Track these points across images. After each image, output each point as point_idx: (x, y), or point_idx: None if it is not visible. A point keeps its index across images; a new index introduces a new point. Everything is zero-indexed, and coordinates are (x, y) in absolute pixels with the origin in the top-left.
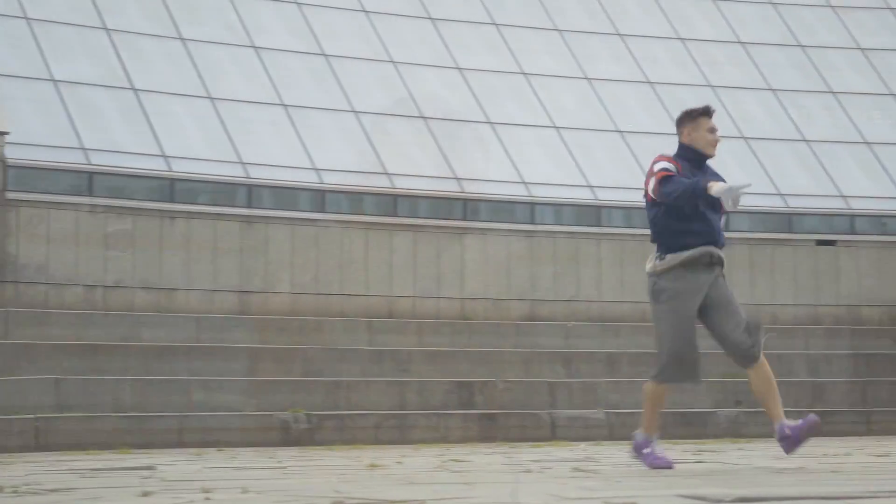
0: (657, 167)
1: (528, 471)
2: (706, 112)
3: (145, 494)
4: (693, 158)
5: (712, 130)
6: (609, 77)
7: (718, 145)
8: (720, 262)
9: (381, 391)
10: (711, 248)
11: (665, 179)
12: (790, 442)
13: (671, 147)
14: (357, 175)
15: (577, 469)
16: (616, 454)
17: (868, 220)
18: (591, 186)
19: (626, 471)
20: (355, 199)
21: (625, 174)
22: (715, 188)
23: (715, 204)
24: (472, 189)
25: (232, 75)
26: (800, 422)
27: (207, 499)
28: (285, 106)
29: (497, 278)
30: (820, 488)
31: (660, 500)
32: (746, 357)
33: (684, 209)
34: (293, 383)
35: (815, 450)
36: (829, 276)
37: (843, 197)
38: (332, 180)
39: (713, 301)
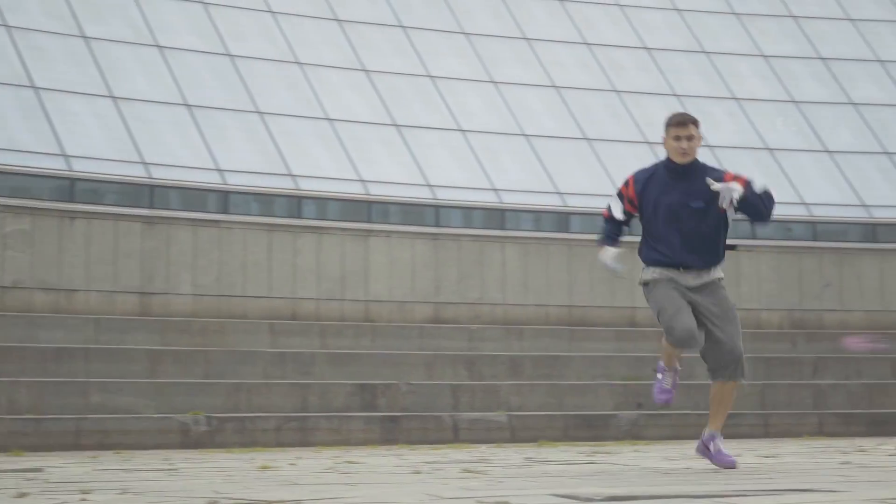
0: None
1: (418, 472)
2: (674, 120)
3: (21, 496)
4: (670, 167)
5: (677, 138)
6: (515, 81)
7: (686, 154)
8: (695, 288)
9: (283, 393)
10: (666, 274)
11: (604, 219)
12: (704, 454)
13: (575, 150)
14: (261, 176)
15: (466, 470)
16: (512, 456)
17: (770, 225)
18: (495, 190)
19: (515, 472)
20: (259, 201)
21: (530, 178)
22: (602, 258)
23: (688, 220)
24: (377, 191)
25: (135, 74)
26: (726, 455)
27: (83, 500)
28: (189, 106)
29: (401, 281)
30: (694, 487)
31: (533, 499)
32: (734, 368)
33: (651, 231)
34: (194, 385)
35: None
36: (731, 281)
37: None
38: (235, 181)
39: (711, 309)
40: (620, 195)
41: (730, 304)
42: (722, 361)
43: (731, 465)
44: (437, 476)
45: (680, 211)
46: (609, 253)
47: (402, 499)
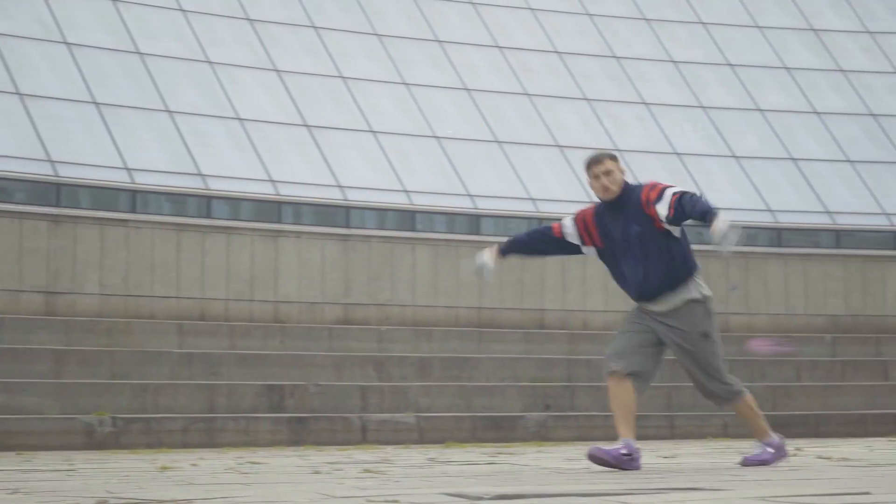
0: None
1: (318, 472)
2: (589, 159)
3: None
4: (605, 205)
5: (595, 176)
6: (427, 83)
7: (608, 189)
8: (664, 314)
9: (190, 394)
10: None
11: (540, 231)
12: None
13: (486, 153)
14: (170, 175)
15: (366, 470)
16: (416, 457)
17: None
18: (406, 191)
19: (414, 472)
20: (168, 200)
21: (441, 180)
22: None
23: (634, 248)
24: (287, 192)
25: (42, 71)
26: (749, 456)
27: None
28: (97, 104)
29: (311, 282)
30: (584, 486)
31: (423, 497)
32: (715, 398)
33: (611, 269)
34: (99, 386)
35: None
36: None
37: None
38: (144, 181)
39: (677, 343)
40: (574, 218)
41: (695, 333)
42: (703, 393)
43: (752, 463)
44: (336, 476)
45: (625, 241)
46: (489, 254)
47: (294, 498)
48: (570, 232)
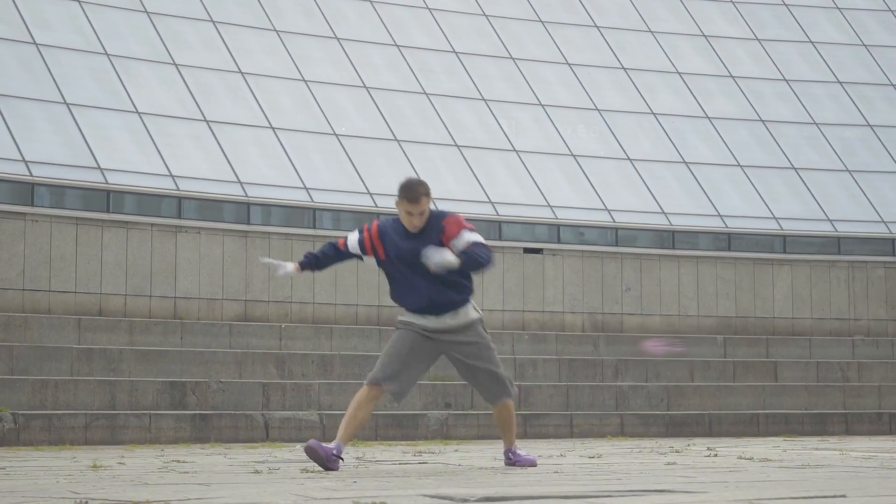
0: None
1: (257, 471)
2: (405, 195)
3: None
4: (401, 226)
5: (409, 213)
6: (325, 80)
7: (417, 226)
8: (446, 328)
9: (91, 390)
10: (420, 322)
11: (331, 245)
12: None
13: (385, 151)
14: (68, 169)
15: (305, 469)
16: None
17: (572, 229)
18: (306, 188)
19: (358, 472)
20: (66, 194)
21: (340, 177)
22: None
23: (424, 267)
24: (187, 187)
25: None
26: (525, 456)
27: None
28: None
29: (211, 278)
30: (553, 488)
31: (407, 499)
32: (492, 398)
33: (395, 279)
34: None
35: (531, 451)
36: (535, 283)
37: (550, 207)
38: (41, 173)
39: (459, 360)
40: (361, 230)
41: (482, 345)
42: (489, 392)
43: (532, 463)
44: (281, 475)
45: (416, 259)
46: (292, 266)
47: (272, 499)
48: (353, 245)
